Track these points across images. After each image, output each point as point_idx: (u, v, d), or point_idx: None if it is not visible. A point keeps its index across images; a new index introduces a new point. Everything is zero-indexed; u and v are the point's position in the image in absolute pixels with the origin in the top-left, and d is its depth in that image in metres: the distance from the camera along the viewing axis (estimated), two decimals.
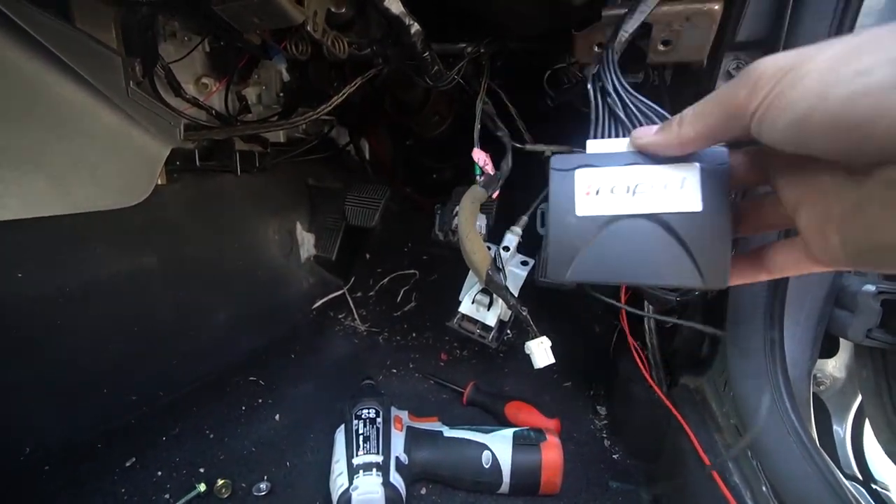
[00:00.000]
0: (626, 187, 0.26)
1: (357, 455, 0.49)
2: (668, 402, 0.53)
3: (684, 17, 0.39)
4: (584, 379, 0.74)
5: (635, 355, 0.61)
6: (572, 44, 0.44)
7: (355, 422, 0.53)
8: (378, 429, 0.52)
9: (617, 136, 0.30)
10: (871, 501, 0.45)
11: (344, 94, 0.67)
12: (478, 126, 0.59)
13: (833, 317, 0.49)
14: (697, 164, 0.25)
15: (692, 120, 0.23)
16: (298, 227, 1.00)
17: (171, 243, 0.73)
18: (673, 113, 0.25)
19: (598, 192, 0.27)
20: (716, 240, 0.25)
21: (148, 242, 0.70)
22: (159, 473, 0.53)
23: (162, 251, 0.72)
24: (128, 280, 0.66)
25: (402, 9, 0.49)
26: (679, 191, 0.25)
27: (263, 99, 0.87)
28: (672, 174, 0.26)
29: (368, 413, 0.54)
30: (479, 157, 0.58)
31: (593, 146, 0.29)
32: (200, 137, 0.78)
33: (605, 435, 0.64)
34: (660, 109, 0.29)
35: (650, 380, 0.58)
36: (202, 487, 0.51)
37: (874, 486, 0.48)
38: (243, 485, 0.53)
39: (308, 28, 0.49)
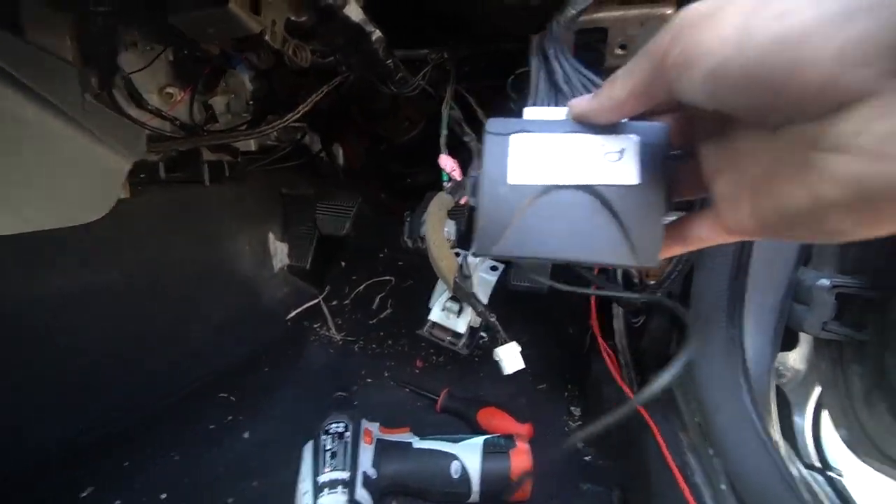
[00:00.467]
0: (563, 156, 0.25)
1: (323, 472, 0.48)
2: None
3: (639, 21, 0.40)
4: (559, 380, 0.74)
5: (606, 356, 0.62)
6: (529, 47, 0.45)
7: (323, 437, 0.52)
8: (346, 444, 0.51)
9: (556, 103, 0.28)
10: (828, 488, 0.47)
11: (310, 102, 0.67)
12: (444, 132, 0.59)
13: (791, 311, 0.50)
14: (637, 137, 0.24)
15: (622, 78, 0.21)
16: (271, 236, 0.98)
17: (137, 258, 0.71)
18: None
19: (533, 160, 0.25)
20: (650, 215, 0.23)
21: (112, 258, 0.68)
22: (117, 502, 0.51)
23: (128, 266, 0.70)
24: (90, 298, 0.63)
25: (362, 16, 0.49)
26: (617, 162, 0.24)
27: (232, 107, 0.85)
28: (611, 144, 0.24)
29: (337, 428, 0.53)
30: (447, 163, 0.58)
31: (530, 113, 0.27)
32: (166, 149, 0.76)
33: None
34: (600, 82, 0.27)
35: (620, 380, 0.58)
36: None
37: (830, 474, 0.49)
38: None
39: (266, 38, 0.48)
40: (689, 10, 0.17)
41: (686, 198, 0.25)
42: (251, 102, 0.86)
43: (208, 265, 0.83)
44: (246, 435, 0.65)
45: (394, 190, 1.08)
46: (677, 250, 0.25)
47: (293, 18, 0.52)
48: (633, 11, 0.39)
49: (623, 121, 0.24)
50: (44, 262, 0.59)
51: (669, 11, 0.39)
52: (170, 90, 0.75)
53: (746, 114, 0.16)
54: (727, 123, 0.19)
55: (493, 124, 0.26)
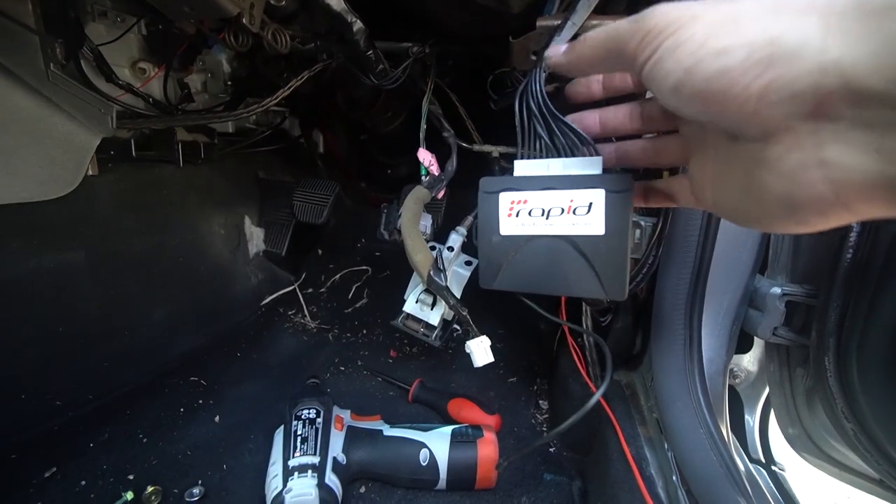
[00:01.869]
0: (542, 210, 0.29)
1: (294, 456, 0.49)
2: (600, 397, 0.56)
3: None
4: (528, 374, 0.76)
5: (573, 353, 0.64)
6: (510, 51, 0.45)
7: (295, 422, 0.53)
8: (317, 429, 0.52)
9: (542, 155, 0.32)
10: (769, 482, 0.50)
11: (290, 87, 0.66)
12: (423, 126, 0.59)
13: (747, 316, 0.53)
14: (603, 190, 0.28)
15: (590, 44, 0.24)
16: (247, 221, 0.97)
17: (101, 237, 0.69)
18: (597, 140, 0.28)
19: (518, 214, 0.30)
20: (616, 259, 0.28)
21: (75, 236, 0.66)
22: (83, 483, 0.51)
23: (91, 246, 0.68)
24: (51, 277, 0.62)
25: (343, 5, 0.48)
26: (586, 215, 0.28)
27: (209, 87, 0.83)
28: (581, 198, 0.28)
29: (309, 413, 0.54)
30: (425, 157, 0.58)
31: (520, 168, 0.32)
32: (136, 126, 0.74)
33: (545, 429, 0.66)
34: (582, 134, 0.30)
35: (586, 376, 0.61)
36: (129, 496, 0.49)
37: (773, 468, 0.53)
38: (175, 491, 0.51)
39: (244, 21, 0.47)
40: (657, 15, 0.20)
41: (665, 165, 0.29)
42: (230, 83, 0.84)
43: (179, 246, 0.82)
44: (217, 419, 0.65)
45: (374, 180, 1.07)
46: (663, 203, 0.29)
47: (273, 2, 0.51)
48: (609, 21, 0.40)
49: (588, 172, 0.28)
50: (5, 240, 0.57)
51: None
52: (143, 65, 0.72)
53: (700, 120, 0.20)
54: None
55: (485, 183, 0.31)
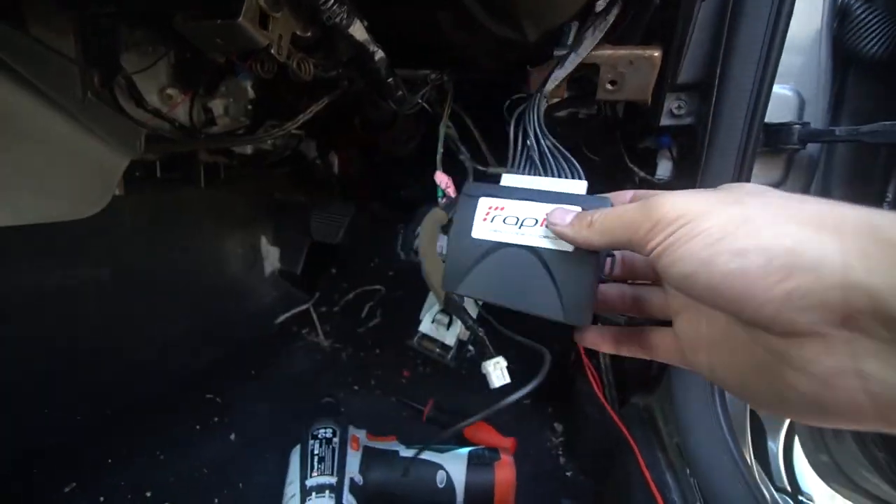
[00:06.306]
0: (516, 219, 0.29)
1: (311, 476, 0.49)
2: (618, 421, 0.56)
3: (628, 60, 0.42)
4: (543, 396, 0.75)
5: (590, 375, 0.63)
6: (527, 78, 0.46)
7: (311, 442, 0.53)
8: (334, 449, 0.52)
9: (530, 174, 0.33)
10: None
11: (311, 111, 0.68)
12: (440, 150, 0.61)
13: None
14: (580, 208, 0.27)
15: (598, 230, 0.24)
16: (263, 240, 0.98)
17: (125, 255, 0.71)
18: (592, 151, 0.27)
19: (493, 220, 0.30)
20: (581, 280, 0.26)
21: (100, 254, 0.68)
22: (101, 499, 0.51)
23: (115, 262, 0.70)
24: (81, 291, 0.63)
25: (366, 36, 0.50)
26: None
27: (231, 111, 0.86)
28: None
29: (325, 433, 0.54)
30: (442, 180, 0.60)
31: (507, 179, 0.32)
32: (162, 150, 0.77)
33: (560, 452, 0.65)
34: (572, 159, 0.32)
35: (602, 399, 0.60)
36: None
37: (801, 498, 0.51)
38: None
39: (272, 51, 0.49)
40: (665, 208, 0.20)
41: (646, 317, 0.27)
42: (250, 107, 0.87)
43: (197, 265, 0.83)
44: (232, 437, 0.65)
45: (386, 200, 1.09)
46: (637, 354, 0.27)
47: (300, 33, 0.53)
48: (623, 52, 0.41)
49: (570, 192, 0.29)
50: (37, 256, 0.59)
51: (657, 54, 0.41)
52: (170, 91, 0.75)
53: (711, 307, 0.19)
54: None
55: (468, 187, 0.32)
